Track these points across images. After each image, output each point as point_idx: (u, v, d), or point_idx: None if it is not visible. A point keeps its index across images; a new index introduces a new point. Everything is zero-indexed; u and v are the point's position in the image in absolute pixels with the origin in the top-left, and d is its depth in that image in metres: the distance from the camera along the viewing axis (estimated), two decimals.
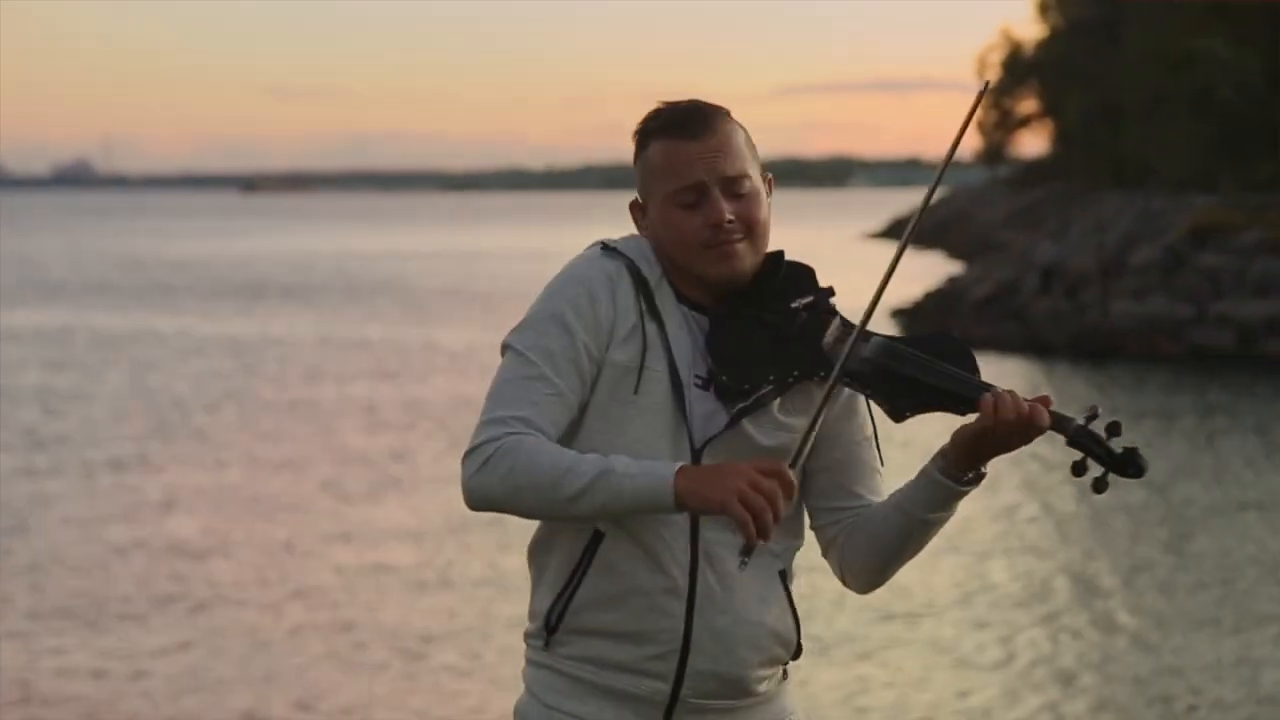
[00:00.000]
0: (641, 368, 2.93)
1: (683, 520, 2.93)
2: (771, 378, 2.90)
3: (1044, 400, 2.91)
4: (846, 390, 3.00)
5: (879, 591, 3.10)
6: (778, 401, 2.96)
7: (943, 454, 2.95)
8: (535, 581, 3.02)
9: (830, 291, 3.05)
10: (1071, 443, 2.87)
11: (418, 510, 17.35)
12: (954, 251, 62.59)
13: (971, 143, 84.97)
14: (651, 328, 2.94)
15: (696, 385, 2.95)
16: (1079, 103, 58.02)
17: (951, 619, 13.10)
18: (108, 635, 12.84)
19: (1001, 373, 30.32)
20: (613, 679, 2.95)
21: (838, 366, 2.88)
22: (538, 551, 3.02)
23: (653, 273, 2.98)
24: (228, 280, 58.65)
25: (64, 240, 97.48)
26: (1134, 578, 14.57)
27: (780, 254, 3.05)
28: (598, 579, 2.94)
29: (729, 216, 2.96)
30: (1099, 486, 2.84)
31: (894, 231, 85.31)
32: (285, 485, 19.09)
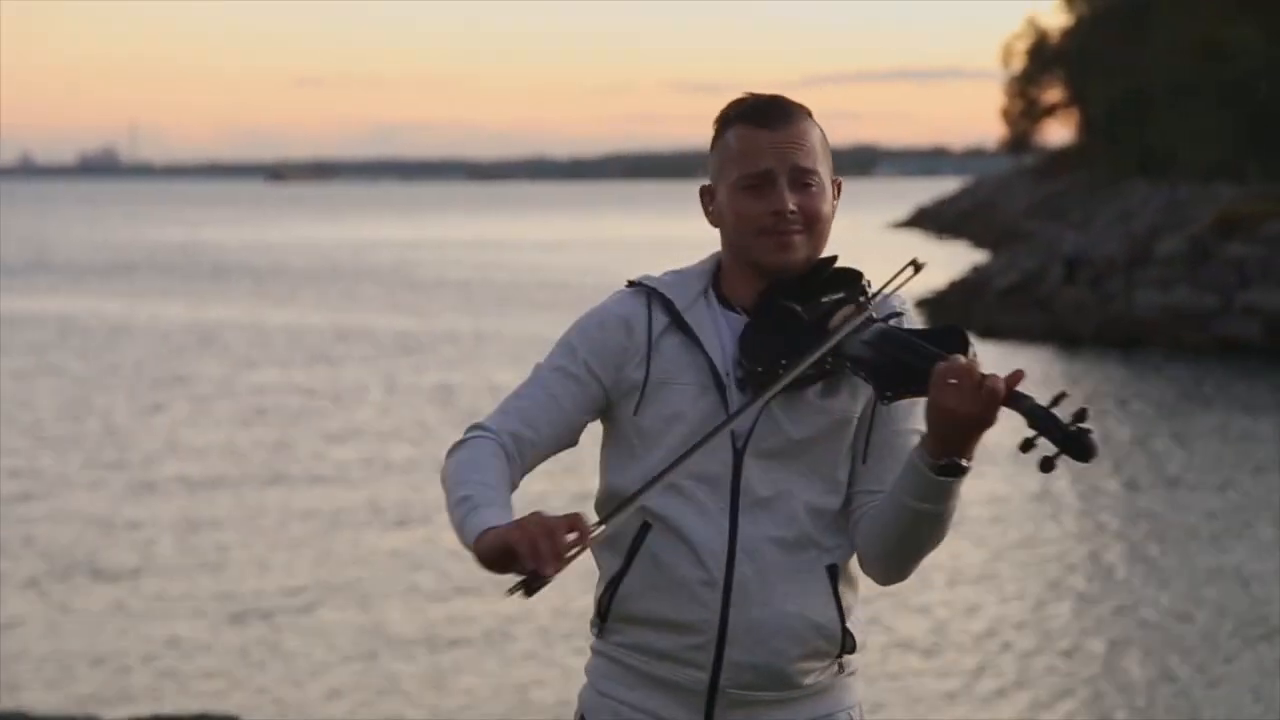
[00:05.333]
0: (660, 385, 3.03)
1: (722, 514, 3.00)
2: (783, 361, 2.95)
3: (1014, 376, 2.85)
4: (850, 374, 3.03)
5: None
6: (816, 388, 3.00)
7: (922, 438, 2.93)
8: (599, 573, 3.14)
9: (863, 291, 3.05)
10: (1028, 420, 2.82)
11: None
12: (978, 241, 62.42)
13: (996, 131, 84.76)
14: (675, 342, 3.04)
15: (734, 382, 3.02)
16: (1105, 92, 57.80)
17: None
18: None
19: (1025, 362, 30.21)
20: (656, 667, 3.03)
21: (825, 347, 2.93)
22: (597, 544, 3.05)
23: (686, 293, 3.07)
24: (250, 266, 58.79)
25: (89, 227, 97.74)
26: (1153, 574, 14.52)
27: (832, 258, 3.11)
28: (643, 569, 3.03)
29: (791, 206, 3.04)
30: (1046, 466, 2.78)
31: (918, 221, 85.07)
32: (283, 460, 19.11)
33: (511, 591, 2.80)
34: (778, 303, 3.03)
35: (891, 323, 3.01)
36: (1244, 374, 27.92)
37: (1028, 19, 79.10)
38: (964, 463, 2.87)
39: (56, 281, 52.35)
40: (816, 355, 2.93)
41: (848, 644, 3.07)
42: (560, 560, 2.77)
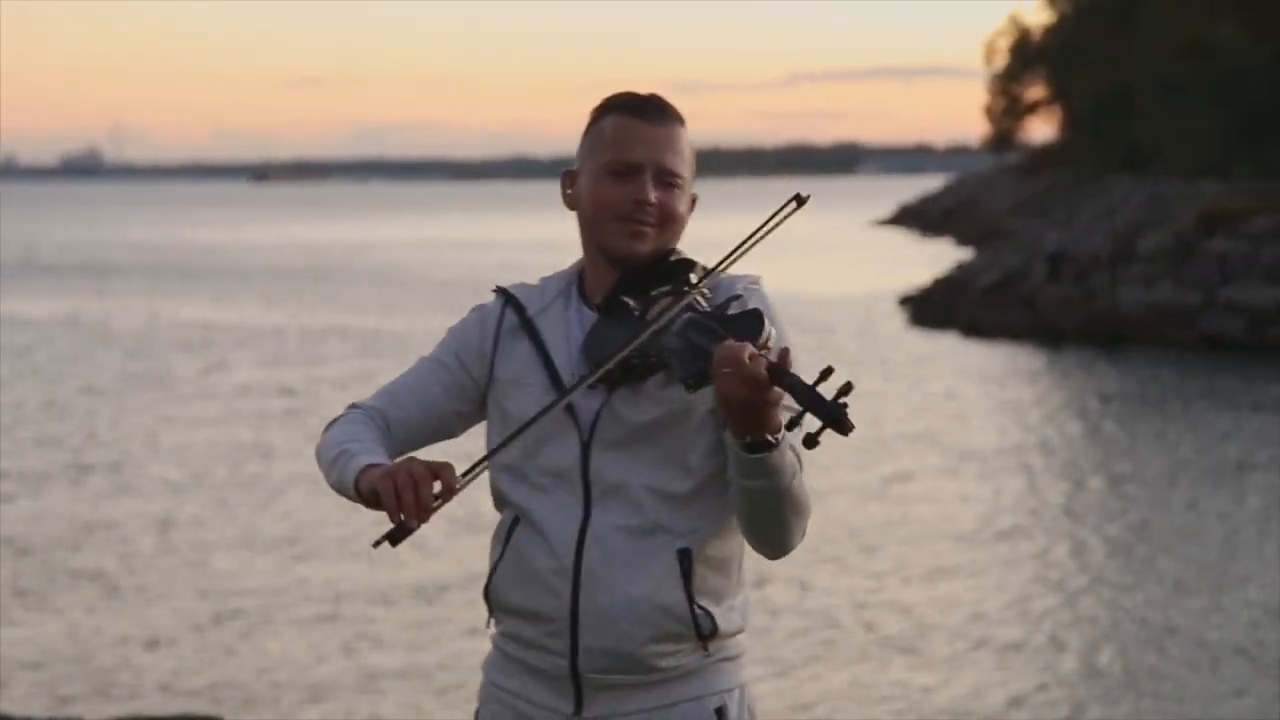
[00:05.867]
0: (506, 384, 3.17)
1: (575, 505, 3.10)
2: (615, 359, 3.03)
3: (781, 354, 2.90)
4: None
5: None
6: (657, 378, 3.07)
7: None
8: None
9: (687, 281, 3.11)
10: (793, 397, 2.86)
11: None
12: (962, 238, 62.49)
13: (979, 129, 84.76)
14: (523, 345, 3.17)
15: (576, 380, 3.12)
16: (1089, 88, 57.84)
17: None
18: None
19: (1009, 360, 30.24)
20: (526, 654, 3.15)
21: (636, 341, 3.00)
22: (491, 540, 3.26)
23: (543, 295, 3.21)
24: (242, 267, 58.67)
25: (71, 229, 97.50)
26: (1146, 568, 14.49)
27: (670, 250, 3.19)
28: (510, 561, 3.15)
29: (652, 199, 3.14)
30: (809, 442, 2.82)
31: (901, 219, 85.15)
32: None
33: (377, 543, 2.94)
34: (618, 301, 3.12)
35: (733, 306, 3.05)
36: (1228, 370, 27.92)
37: (1010, 16, 79.21)
38: (770, 438, 2.90)
39: (39, 283, 52.20)
40: (626, 351, 3.00)
41: (704, 627, 3.09)
42: (425, 513, 2.90)
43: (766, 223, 3.07)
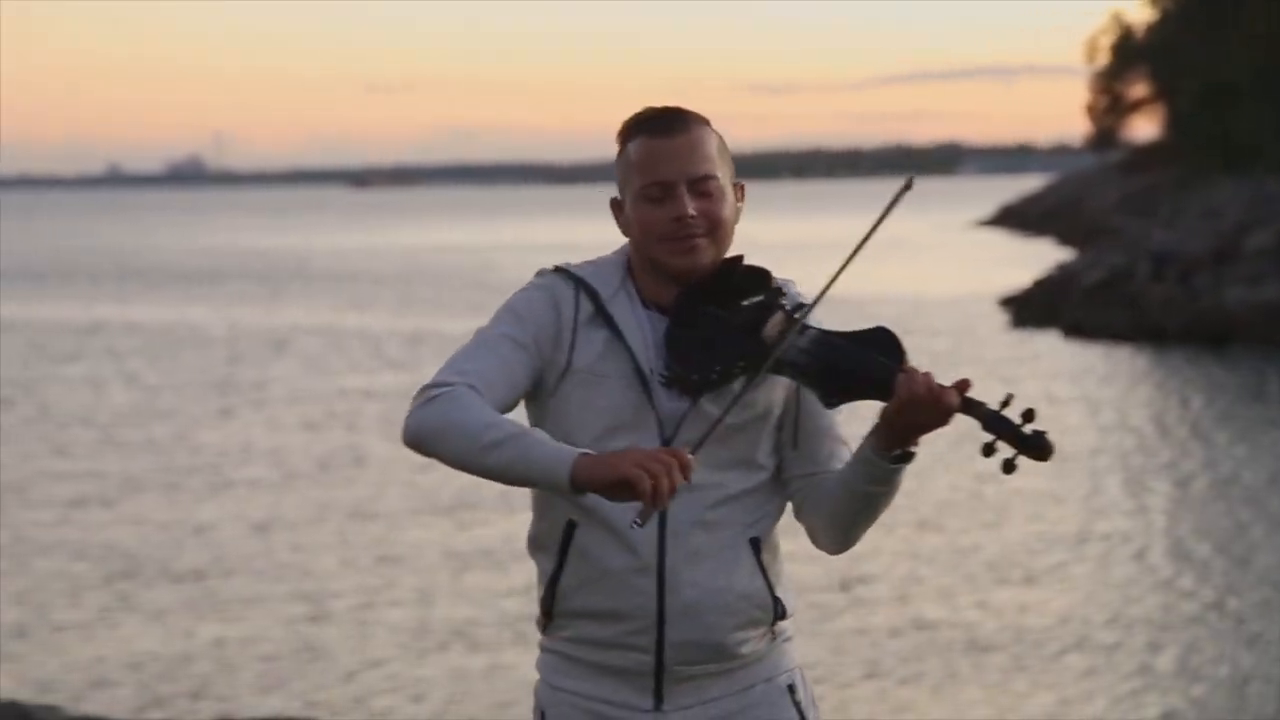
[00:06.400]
0: (587, 374, 3.15)
1: None
2: (718, 368, 3.09)
3: (961, 384, 3.06)
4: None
5: None
6: (740, 381, 3.14)
7: (874, 432, 3.12)
8: (537, 575, 3.28)
9: (780, 291, 3.19)
10: (984, 425, 3.04)
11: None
12: (1064, 238, 61.80)
13: (1081, 128, 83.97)
14: (600, 334, 3.16)
15: (660, 381, 3.16)
16: (1191, 86, 57.13)
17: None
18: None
19: (1113, 360, 29.85)
20: (602, 655, 3.17)
21: (769, 359, 3.06)
22: (531, 547, 3.27)
23: (608, 284, 3.20)
24: (333, 272, 59.06)
25: (174, 235, 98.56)
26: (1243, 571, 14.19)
27: (738, 258, 3.23)
28: (575, 565, 3.17)
29: (692, 212, 3.15)
30: (1007, 468, 3.00)
31: (1003, 219, 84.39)
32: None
33: (636, 524, 2.96)
34: (698, 307, 3.15)
35: (811, 319, 3.13)
36: None
37: (1112, 14, 78.36)
38: (913, 449, 3.11)
39: (138, 289, 52.76)
40: (766, 368, 3.06)
41: (779, 610, 3.23)
42: (672, 494, 2.94)
43: (881, 217, 3.09)
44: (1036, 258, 50.33)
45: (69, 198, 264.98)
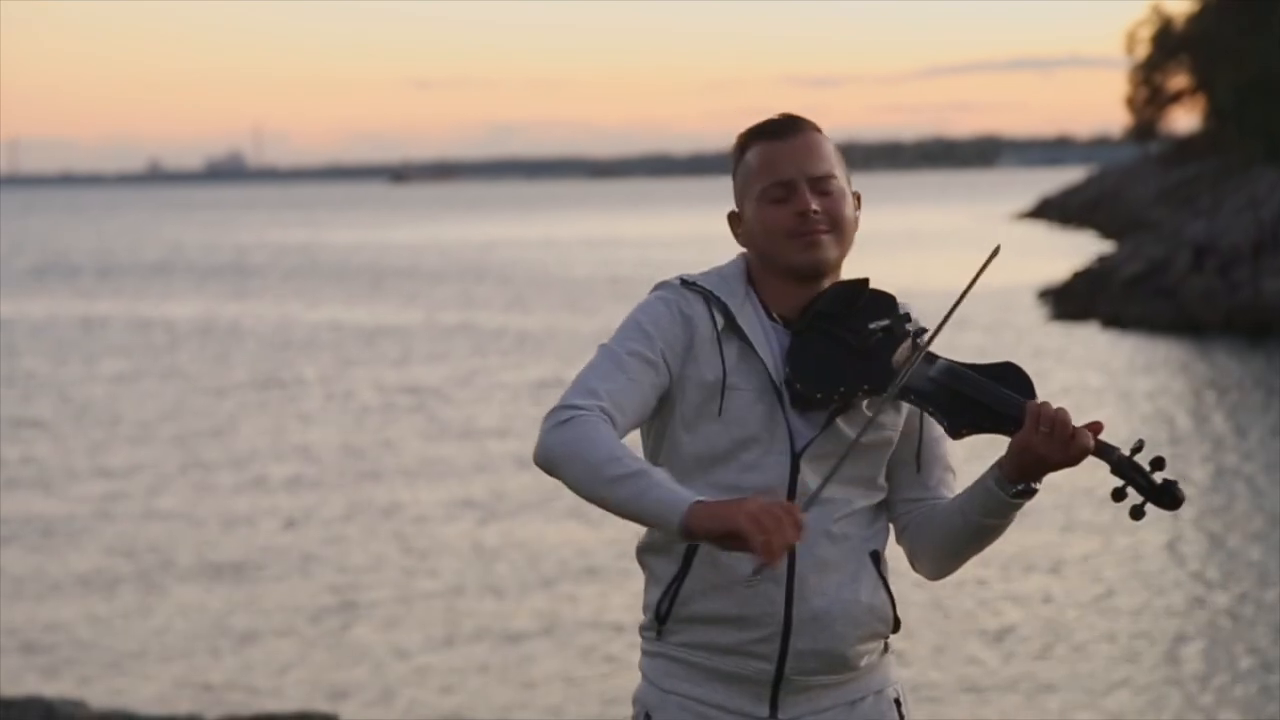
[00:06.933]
0: (725, 386, 3.17)
1: None
2: (842, 389, 3.14)
3: (1095, 426, 3.08)
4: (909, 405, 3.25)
5: None
6: (869, 403, 3.19)
7: (999, 464, 3.16)
8: (647, 579, 3.27)
9: (907, 317, 3.25)
10: (1114, 470, 3.06)
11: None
12: (1104, 230, 61.54)
13: (1121, 120, 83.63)
14: (733, 347, 3.19)
15: (790, 396, 3.19)
16: (1232, 78, 56.76)
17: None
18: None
19: (1149, 351, 29.67)
20: (721, 661, 3.18)
21: (894, 384, 3.10)
22: (646, 552, 3.27)
23: (734, 295, 3.22)
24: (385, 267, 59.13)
25: (214, 231, 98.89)
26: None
27: (865, 280, 3.28)
28: (702, 570, 3.17)
29: (815, 207, 3.21)
30: (1136, 514, 3.03)
31: (1043, 212, 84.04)
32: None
33: (750, 584, 3.08)
34: (824, 325, 3.18)
35: (921, 340, 3.18)
36: None
37: (1152, 5, 77.69)
38: (1036, 485, 3.14)
39: (178, 286, 52.94)
40: (891, 393, 3.10)
41: (897, 624, 3.28)
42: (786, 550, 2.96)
43: (974, 278, 3.16)
44: (1076, 250, 50.11)
45: (110, 195, 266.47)
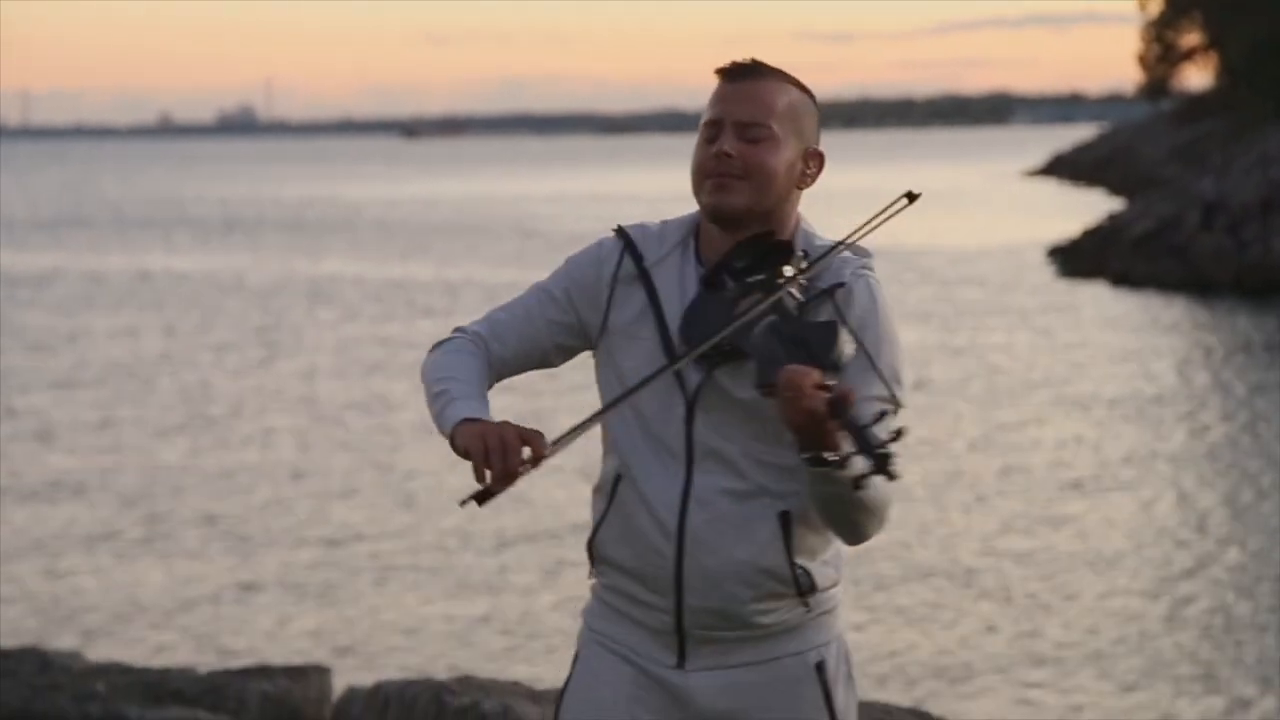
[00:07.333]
0: (605, 330, 3.21)
1: (678, 467, 3.14)
2: (699, 349, 3.10)
3: (844, 394, 2.89)
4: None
5: None
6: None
7: None
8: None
9: (778, 273, 3.12)
10: (850, 435, 2.93)
11: None
12: (1116, 188, 61.27)
13: (1134, 77, 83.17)
14: (639, 295, 3.18)
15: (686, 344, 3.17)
16: (1243, 35, 56.44)
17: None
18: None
19: (1155, 309, 29.56)
20: (631, 608, 3.21)
21: (718, 337, 3.06)
22: (593, 491, 3.32)
23: (664, 244, 3.21)
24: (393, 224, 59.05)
25: (224, 185, 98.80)
26: None
27: (770, 232, 3.18)
28: (614, 518, 3.21)
29: (730, 150, 3.15)
30: (857, 484, 2.91)
31: (1054, 169, 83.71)
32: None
33: (464, 503, 3.04)
34: (723, 277, 3.15)
35: (837, 297, 3.08)
36: None
37: None
38: (826, 455, 2.93)
39: (186, 239, 52.88)
40: (710, 343, 3.07)
41: (803, 585, 3.15)
42: (510, 479, 2.99)
43: (872, 219, 3.09)
44: (1087, 207, 49.92)
45: (121, 147, 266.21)
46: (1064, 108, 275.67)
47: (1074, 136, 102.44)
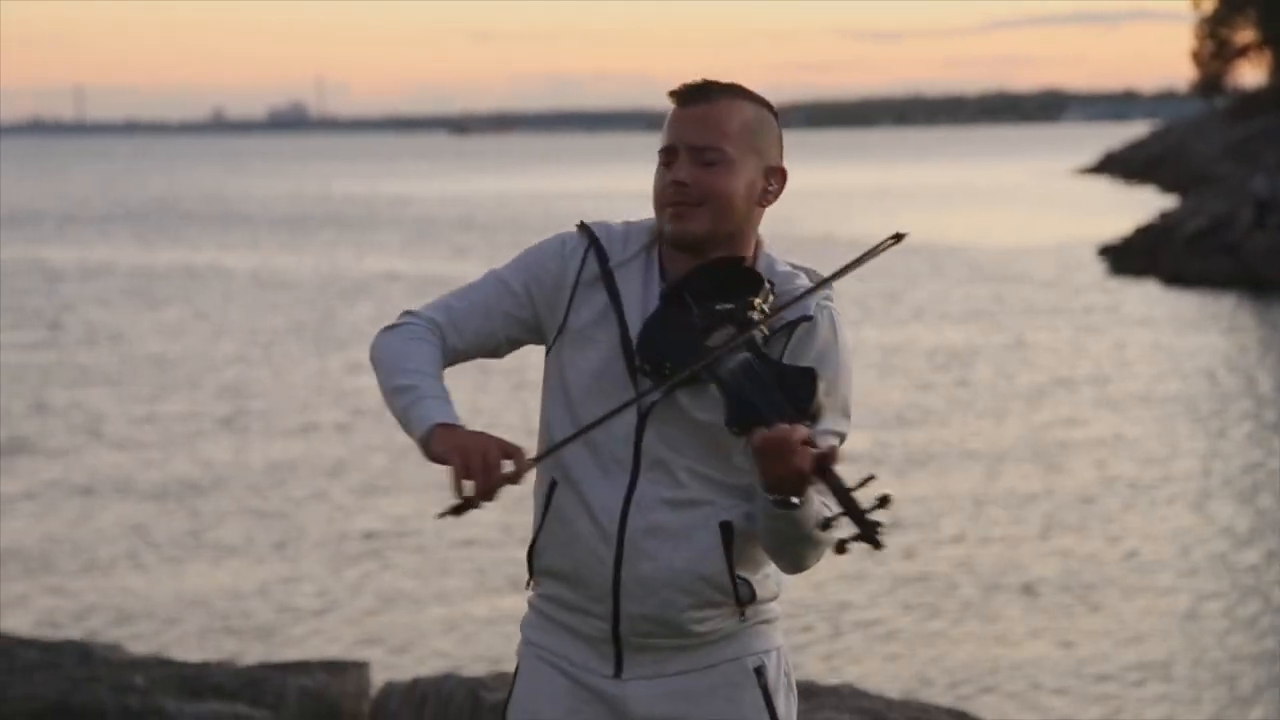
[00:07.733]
0: (563, 331, 3.13)
1: (623, 474, 3.09)
2: (667, 364, 3.04)
3: (829, 453, 2.86)
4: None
5: None
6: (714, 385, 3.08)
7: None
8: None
9: (749, 304, 3.05)
10: (835, 499, 2.87)
11: None
12: (1168, 186, 60.91)
13: (1187, 74, 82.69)
14: (600, 298, 3.13)
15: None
16: None
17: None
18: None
19: (1212, 309, 29.31)
20: (567, 617, 3.17)
21: (692, 370, 3.00)
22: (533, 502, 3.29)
23: (628, 248, 3.16)
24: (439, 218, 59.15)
25: (274, 181, 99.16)
26: None
27: (740, 259, 3.13)
28: (552, 525, 3.15)
29: (684, 179, 3.08)
30: (840, 548, 2.86)
31: (1106, 167, 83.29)
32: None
33: (441, 515, 2.99)
34: (684, 298, 3.07)
35: (799, 330, 3.05)
36: None
37: None
38: (793, 499, 2.90)
39: (237, 235, 53.10)
40: (683, 376, 3.00)
41: (742, 595, 3.12)
42: (492, 494, 2.94)
43: (858, 259, 3.05)
44: (1139, 205, 49.62)
45: (174, 143, 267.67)
46: (1117, 105, 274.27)
47: (1127, 134, 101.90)
